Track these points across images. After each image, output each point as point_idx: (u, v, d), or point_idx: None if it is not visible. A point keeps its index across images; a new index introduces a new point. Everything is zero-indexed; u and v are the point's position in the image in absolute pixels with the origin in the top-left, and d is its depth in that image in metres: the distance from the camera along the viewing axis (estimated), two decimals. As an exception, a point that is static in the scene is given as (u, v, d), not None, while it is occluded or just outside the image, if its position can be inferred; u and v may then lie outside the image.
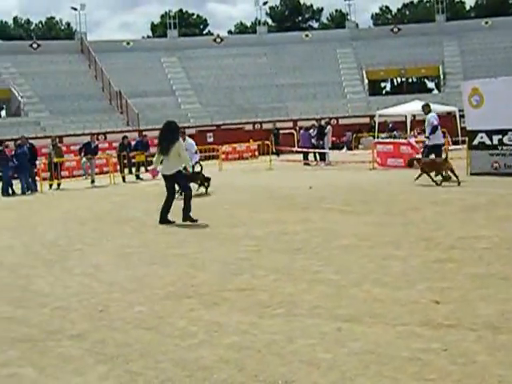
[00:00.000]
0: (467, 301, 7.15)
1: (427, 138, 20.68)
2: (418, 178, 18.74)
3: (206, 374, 5.50)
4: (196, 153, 21.78)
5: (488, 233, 10.95)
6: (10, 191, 25.38)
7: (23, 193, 25.18)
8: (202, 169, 20.94)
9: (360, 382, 5.18)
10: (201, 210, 15.29)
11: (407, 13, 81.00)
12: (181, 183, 15.02)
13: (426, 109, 21.09)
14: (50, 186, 26.71)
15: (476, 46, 54.76)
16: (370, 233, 11.60)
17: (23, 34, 72.86)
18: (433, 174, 18.68)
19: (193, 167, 21.35)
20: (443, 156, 19.60)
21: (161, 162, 15.03)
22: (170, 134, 14.66)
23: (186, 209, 14.25)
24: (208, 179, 20.37)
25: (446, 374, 5.21)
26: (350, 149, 40.54)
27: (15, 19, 79.30)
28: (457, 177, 18.40)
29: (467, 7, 78.48)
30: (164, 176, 14.71)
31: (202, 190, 20.24)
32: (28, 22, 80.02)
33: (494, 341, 5.89)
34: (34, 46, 51.87)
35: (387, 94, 67.13)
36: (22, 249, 12.61)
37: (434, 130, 20.18)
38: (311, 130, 30.69)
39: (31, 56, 49.92)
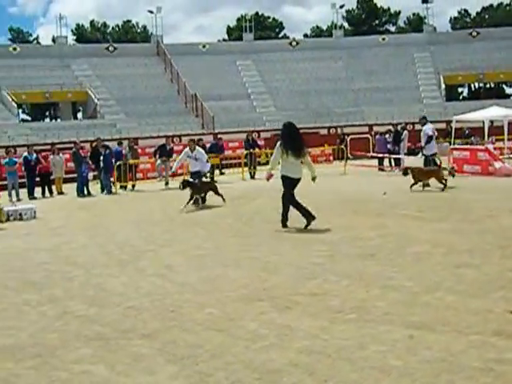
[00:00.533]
0: (545, 311, 6.98)
1: (422, 148, 22.91)
2: (412, 185, 19.79)
3: (275, 377, 5.49)
4: (207, 162, 21.30)
5: None
6: (86, 192, 25.85)
7: (108, 192, 25.82)
8: (213, 178, 20.84)
9: (432, 390, 5.10)
10: (272, 213, 15.26)
11: (486, 16, 79.43)
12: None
13: (422, 121, 23.20)
14: (124, 187, 27.05)
15: (557, 50, 53.47)
16: (444, 240, 11.41)
17: (100, 37, 74.16)
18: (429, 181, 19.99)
19: (205, 175, 21.47)
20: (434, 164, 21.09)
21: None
22: (300, 136, 14.11)
23: (304, 214, 13.67)
24: (217, 191, 19.51)
25: (521, 386, 5.09)
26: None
27: (92, 23, 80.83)
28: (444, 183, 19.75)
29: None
30: (290, 178, 13.90)
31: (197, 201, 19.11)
32: (105, 25, 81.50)
33: None
34: (111, 48, 52.60)
35: (464, 99, 66.01)
36: (96, 249, 12.81)
37: (429, 140, 21.70)
38: (387, 135, 30.39)
39: (108, 59, 50.64)
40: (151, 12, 56.23)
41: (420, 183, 19.99)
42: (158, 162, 28.88)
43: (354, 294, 8.05)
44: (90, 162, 27.09)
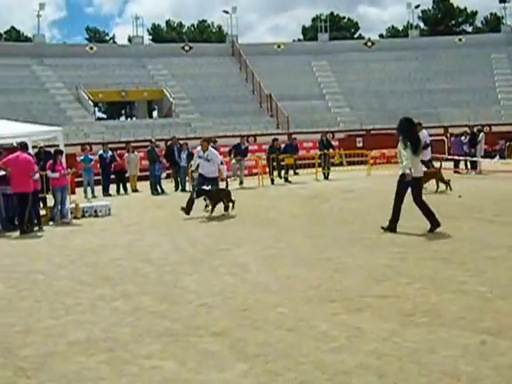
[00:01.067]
0: None
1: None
2: None
3: (345, 379, 5.48)
4: (222, 164, 19.10)
5: None
6: (160, 189, 26.21)
7: (182, 190, 26.44)
8: (227, 185, 20.54)
9: (504, 397, 5.03)
10: (346, 214, 15.23)
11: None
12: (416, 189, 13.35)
13: (418, 127, 22.20)
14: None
15: None
16: (520, 244, 11.21)
17: (175, 36, 74.85)
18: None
19: (225, 180, 20.92)
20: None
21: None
22: (416, 133, 13.66)
23: (428, 216, 13.09)
24: (230, 198, 18.23)
25: None
26: (502, 158, 39.25)
27: (168, 22, 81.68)
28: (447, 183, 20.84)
29: None
30: (416, 179, 13.15)
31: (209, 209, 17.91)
32: (180, 25, 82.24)
33: None
34: (186, 48, 53.00)
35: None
36: (169, 246, 12.98)
37: (425, 147, 20.91)
38: (462, 138, 29.97)
39: (183, 58, 51.05)
40: (226, 12, 56.61)
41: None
42: (233, 161, 29.04)
43: (426, 297, 7.98)
44: (165, 161, 27.49)
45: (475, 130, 30.30)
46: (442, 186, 20.83)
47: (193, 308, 8.06)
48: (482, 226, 13.48)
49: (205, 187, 17.52)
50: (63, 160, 18.46)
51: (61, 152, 18.38)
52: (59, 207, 18.12)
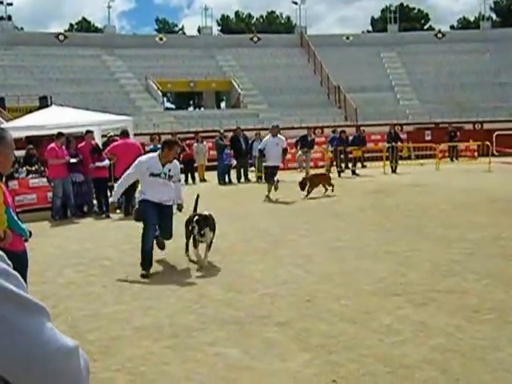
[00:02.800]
0: None
1: None
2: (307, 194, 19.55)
3: (407, 373, 5.46)
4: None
5: None
6: (227, 179, 26.39)
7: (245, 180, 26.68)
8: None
9: None
10: (413, 207, 15.10)
11: None
12: None
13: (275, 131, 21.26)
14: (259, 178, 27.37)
15: None
16: None
17: (244, 27, 75.00)
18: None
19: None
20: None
21: None
22: None
23: None
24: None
25: None
26: None
27: (237, 13, 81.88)
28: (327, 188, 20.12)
29: None
30: None
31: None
32: (249, 16, 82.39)
33: None
34: (255, 39, 53.05)
35: None
36: (236, 236, 13.06)
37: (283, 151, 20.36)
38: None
39: (251, 49, 51.10)
40: (295, 3, 56.52)
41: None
42: (299, 152, 29.00)
43: (493, 294, 7.88)
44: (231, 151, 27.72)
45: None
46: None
47: (257, 297, 8.11)
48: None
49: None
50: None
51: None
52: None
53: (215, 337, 6.66)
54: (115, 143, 17.85)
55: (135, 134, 21.16)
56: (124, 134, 18.06)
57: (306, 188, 19.36)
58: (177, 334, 6.79)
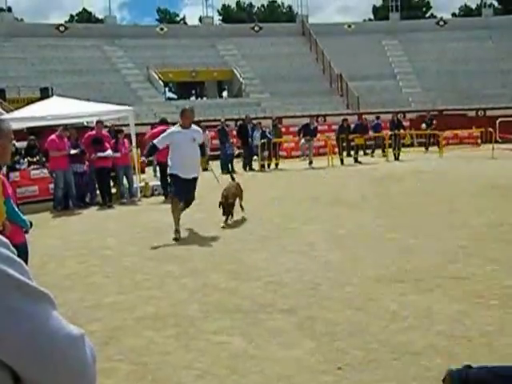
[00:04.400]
0: None
1: None
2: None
3: (413, 359, 5.41)
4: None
5: None
6: (230, 168, 26.32)
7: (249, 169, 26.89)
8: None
9: None
10: (418, 194, 15.03)
11: None
12: None
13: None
14: (268, 165, 27.29)
15: None
16: None
17: (245, 17, 74.82)
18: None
19: None
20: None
21: None
22: None
23: None
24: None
25: None
26: None
27: (238, 3, 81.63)
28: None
29: None
30: None
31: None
32: (250, 5, 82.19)
33: None
34: (256, 28, 52.88)
35: None
36: (238, 224, 13.01)
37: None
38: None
39: (253, 38, 50.93)
40: (296, -8, 56.34)
41: None
42: (302, 141, 28.93)
43: (498, 279, 7.80)
44: (235, 140, 27.65)
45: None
46: None
47: (261, 285, 8.06)
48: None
49: None
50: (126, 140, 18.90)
51: (120, 132, 19.00)
52: (127, 185, 18.45)
53: (219, 325, 6.61)
54: (154, 129, 18.41)
55: (136, 124, 21.12)
56: (163, 121, 19.22)
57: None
58: (180, 323, 6.74)
